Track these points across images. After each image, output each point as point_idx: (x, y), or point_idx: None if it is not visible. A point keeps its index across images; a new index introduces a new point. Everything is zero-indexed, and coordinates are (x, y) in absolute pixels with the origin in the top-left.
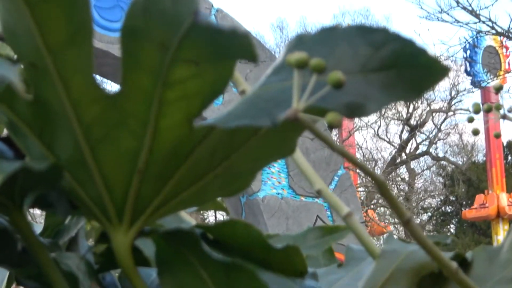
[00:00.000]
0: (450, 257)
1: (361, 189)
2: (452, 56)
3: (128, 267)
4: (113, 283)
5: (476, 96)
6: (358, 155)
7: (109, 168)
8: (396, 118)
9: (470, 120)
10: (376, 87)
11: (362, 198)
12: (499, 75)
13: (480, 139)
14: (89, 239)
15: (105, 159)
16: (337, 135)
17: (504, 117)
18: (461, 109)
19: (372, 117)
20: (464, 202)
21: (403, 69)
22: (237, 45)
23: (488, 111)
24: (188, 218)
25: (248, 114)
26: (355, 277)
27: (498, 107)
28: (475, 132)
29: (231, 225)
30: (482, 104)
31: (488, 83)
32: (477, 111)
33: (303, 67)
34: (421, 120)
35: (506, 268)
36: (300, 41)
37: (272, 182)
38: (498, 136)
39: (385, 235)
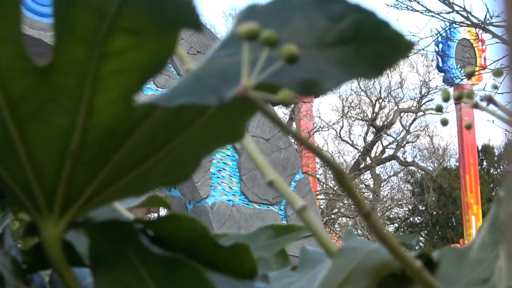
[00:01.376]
0: (414, 256)
1: (321, 196)
2: (423, 49)
3: (59, 261)
4: (42, 286)
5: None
6: (318, 160)
7: (38, 149)
8: (360, 118)
9: (439, 108)
10: (333, 63)
11: (322, 206)
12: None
13: (453, 143)
14: (16, 238)
15: (33, 139)
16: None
17: (476, 106)
18: (432, 109)
19: (334, 117)
20: (434, 212)
21: (363, 43)
22: (180, 13)
23: (459, 98)
24: (126, 213)
25: (193, 91)
26: (310, 280)
27: (470, 94)
28: (444, 122)
29: (175, 220)
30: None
31: (462, 79)
32: (446, 99)
33: (254, 40)
34: (388, 120)
35: (476, 268)
36: (252, 12)
37: (222, 187)
38: (469, 127)
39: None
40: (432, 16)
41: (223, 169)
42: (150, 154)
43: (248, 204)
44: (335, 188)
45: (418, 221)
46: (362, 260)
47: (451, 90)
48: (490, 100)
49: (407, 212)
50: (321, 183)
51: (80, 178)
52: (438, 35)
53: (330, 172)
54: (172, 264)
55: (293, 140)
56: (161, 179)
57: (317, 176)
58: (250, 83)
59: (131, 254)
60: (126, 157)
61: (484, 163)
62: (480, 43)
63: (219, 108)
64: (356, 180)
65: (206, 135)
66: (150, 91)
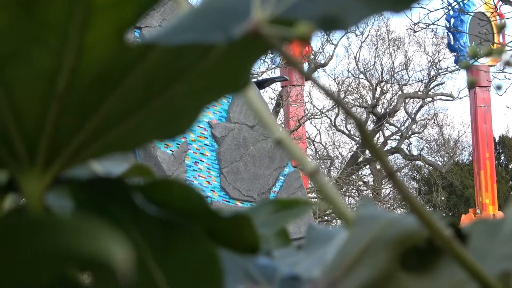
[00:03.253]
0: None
1: (313, 194)
2: (432, 24)
3: None
4: None
5: (461, 77)
6: (310, 151)
7: (19, 93)
8: (358, 104)
9: (465, 65)
10: None
11: (314, 207)
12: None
13: (466, 133)
14: None
15: (14, 82)
16: (284, 125)
17: (509, 64)
18: (442, 94)
19: (328, 103)
20: (444, 214)
21: None
22: None
23: (472, 85)
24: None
25: (197, 27)
26: (319, 260)
27: (501, 50)
28: (472, 83)
29: (167, 185)
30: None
31: (477, 60)
32: (474, 55)
33: None
34: (391, 107)
35: (510, 242)
36: None
37: (199, 182)
38: (473, 83)
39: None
40: None
41: (200, 160)
42: (145, 102)
43: (229, 202)
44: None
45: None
46: (383, 230)
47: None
48: None
49: None
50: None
51: (67, 127)
52: (450, 7)
53: (323, 166)
54: (169, 227)
55: (281, 129)
56: (156, 131)
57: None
58: (263, 17)
59: (123, 215)
60: (119, 105)
61: (502, 157)
62: (498, 17)
63: (225, 48)
64: (354, 177)
65: (209, 82)
66: None
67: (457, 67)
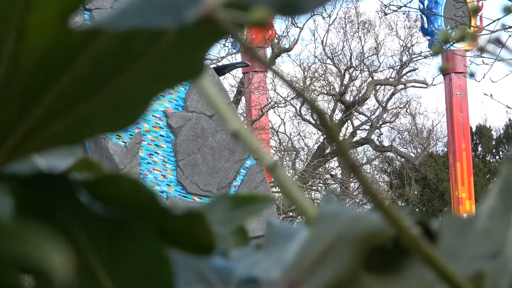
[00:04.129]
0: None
1: (277, 189)
2: (404, 6)
3: None
4: None
5: (436, 62)
6: (273, 142)
7: None
8: (325, 92)
9: (436, 50)
10: None
11: (278, 201)
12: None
13: (441, 123)
14: None
15: None
16: (245, 114)
17: (482, 49)
18: (415, 81)
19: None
20: (417, 209)
21: None
22: None
23: (443, 71)
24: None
25: (147, 11)
26: (278, 260)
27: (473, 35)
28: (443, 69)
29: (114, 181)
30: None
31: (452, 44)
32: (445, 40)
33: None
34: (360, 95)
35: (484, 240)
36: None
37: (154, 175)
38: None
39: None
40: None
41: (155, 153)
42: (92, 91)
43: (186, 197)
44: (294, 179)
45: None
46: (346, 228)
47: (439, 59)
48: (498, 42)
49: None
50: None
51: (8, 118)
52: None
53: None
54: (116, 227)
55: (242, 118)
56: (104, 123)
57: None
58: (217, 1)
59: (66, 214)
60: (64, 93)
61: (479, 149)
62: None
63: (177, 33)
64: (320, 169)
65: (160, 69)
66: None
67: (431, 52)
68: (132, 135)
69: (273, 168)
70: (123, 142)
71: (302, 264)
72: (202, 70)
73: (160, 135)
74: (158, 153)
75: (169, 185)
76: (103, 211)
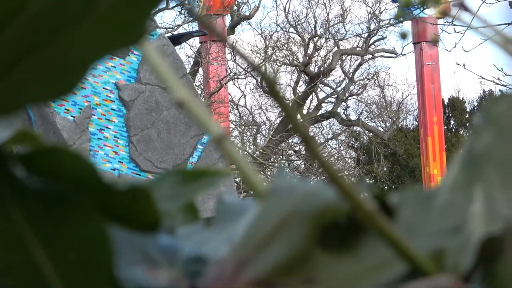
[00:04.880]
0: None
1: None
2: None
3: None
4: None
5: (406, 29)
6: (233, 116)
7: None
8: (288, 62)
9: (400, 15)
10: None
11: (238, 179)
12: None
13: (411, 95)
14: None
15: None
16: (203, 87)
17: (446, 14)
18: (383, 50)
19: (254, 61)
20: (385, 187)
21: None
22: None
23: (404, 37)
24: None
25: None
26: (228, 238)
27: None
28: (404, 35)
29: (54, 153)
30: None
31: (423, 10)
32: (406, 4)
33: None
34: (325, 66)
35: (445, 214)
36: None
37: (105, 152)
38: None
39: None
40: None
41: (106, 127)
42: (26, 55)
43: (139, 175)
44: (255, 155)
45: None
46: (299, 203)
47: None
48: (462, 6)
49: None
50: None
51: None
52: None
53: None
54: (54, 202)
55: (200, 91)
56: (39, 90)
57: (232, 138)
58: None
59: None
60: None
61: (452, 122)
62: None
63: None
64: (283, 145)
65: (99, 32)
66: None
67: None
68: (81, 109)
69: (221, 140)
70: (71, 116)
71: (251, 242)
72: (144, 33)
73: (112, 109)
74: (109, 128)
75: (121, 162)
76: (40, 185)
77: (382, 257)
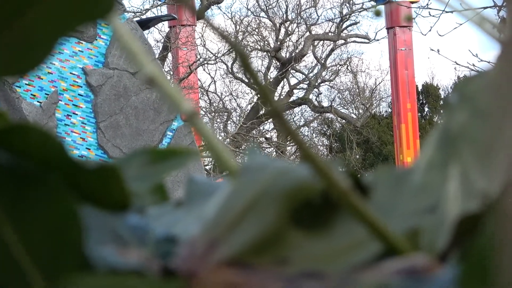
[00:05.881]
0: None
1: (207, 153)
2: None
3: None
4: None
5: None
6: (203, 103)
7: None
8: (259, 47)
9: (377, 13)
10: None
11: (208, 167)
12: None
13: (384, 81)
14: None
15: None
16: (172, 72)
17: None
18: (356, 35)
19: (224, 46)
20: (358, 175)
21: None
22: None
23: (377, 14)
24: None
25: None
26: (199, 218)
27: None
28: (378, 13)
29: (21, 131)
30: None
31: None
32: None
33: None
34: (297, 51)
35: (420, 194)
36: None
37: (72, 138)
38: (409, 18)
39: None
40: None
41: (74, 113)
42: None
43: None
44: (225, 143)
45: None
46: (272, 181)
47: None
48: None
49: None
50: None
51: None
52: None
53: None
54: (23, 179)
55: (169, 76)
56: (4, 67)
57: None
58: None
59: None
60: None
61: (426, 109)
62: None
63: None
64: (254, 132)
65: (65, 7)
66: None
67: (372, 3)
68: (47, 95)
69: (193, 117)
70: (38, 102)
71: (222, 222)
72: (111, 6)
73: (79, 94)
74: (77, 114)
75: (89, 149)
76: (8, 162)
77: (356, 236)
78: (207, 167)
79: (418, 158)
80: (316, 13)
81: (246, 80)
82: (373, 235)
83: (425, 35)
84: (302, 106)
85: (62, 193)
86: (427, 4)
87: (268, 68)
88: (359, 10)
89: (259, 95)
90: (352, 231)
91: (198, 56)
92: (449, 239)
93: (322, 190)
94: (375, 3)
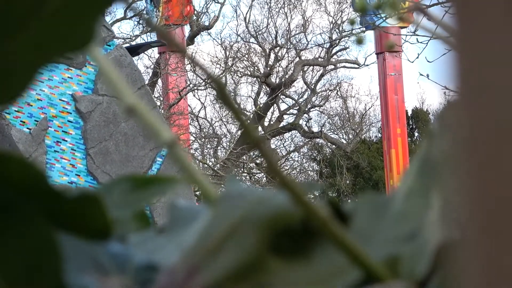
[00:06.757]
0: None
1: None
2: None
3: None
4: None
5: (368, 40)
6: (193, 129)
7: None
8: (249, 73)
9: (360, 40)
10: None
11: (198, 192)
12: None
13: (374, 106)
14: None
15: None
16: (162, 98)
17: (402, 19)
18: (346, 60)
19: (214, 72)
20: (349, 200)
21: None
22: None
23: (359, 42)
24: None
25: None
26: (180, 245)
27: (393, 4)
28: (360, 41)
29: (2, 160)
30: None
31: (385, 20)
32: (362, 10)
33: None
34: (287, 77)
35: (401, 221)
36: None
37: (62, 165)
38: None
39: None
40: None
41: (63, 140)
42: None
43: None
44: (216, 168)
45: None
46: (251, 209)
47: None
48: (421, 11)
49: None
50: (197, 161)
51: None
52: None
53: (208, 146)
54: (1, 208)
55: (158, 102)
56: None
57: (192, 151)
58: None
59: None
60: None
61: (416, 134)
62: None
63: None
64: (245, 158)
65: (46, 37)
66: None
67: (363, 29)
68: (37, 121)
69: (172, 145)
70: (27, 128)
71: (202, 249)
72: (92, 38)
73: (68, 121)
74: (66, 141)
75: (79, 175)
76: None
77: (336, 264)
78: (197, 193)
79: (399, 185)
80: (306, 38)
81: (236, 106)
82: (353, 262)
83: (412, 62)
84: (292, 131)
85: (40, 222)
86: (414, 31)
87: (258, 94)
88: (349, 35)
89: (240, 127)
90: (332, 258)
91: (188, 82)
92: (428, 267)
93: (301, 217)
94: (363, 29)
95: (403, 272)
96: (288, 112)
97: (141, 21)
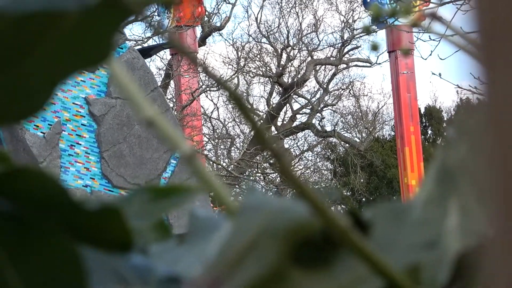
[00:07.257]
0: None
1: None
2: None
3: None
4: None
5: (380, 39)
6: (206, 130)
7: None
8: (261, 73)
9: (367, 30)
10: None
11: (212, 193)
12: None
13: (387, 105)
14: None
15: None
16: (175, 100)
17: (415, 25)
18: (358, 59)
19: (227, 72)
20: (363, 199)
21: None
22: None
23: (374, 48)
24: None
25: None
26: (201, 256)
27: (408, 9)
28: (375, 47)
29: (19, 174)
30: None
31: (397, 19)
32: (377, 15)
33: None
34: (299, 76)
35: (420, 229)
36: None
37: (76, 168)
38: (406, 52)
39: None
40: None
41: (77, 143)
42: None
43: (112, 191)
44: (229, 169)
45: (341, 211)
46: (271, 220)
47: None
48: (434, 17)
49: None
50: (211, 162)
51: None
52: None
53: (222, 147)
54: (24, 224)
55: (171, 104)
56: (5, 113)
57: (205, 152)
58: None
59: None
60: None
61: (429, 131)
62: None
63: (80, 16)
64: (258, 158)
65: (64, 53)
66: None
67: (375, 28)
68: (51, 125)
69: (191, 158)
70: (41, 132)
71: (224, 261)
72: (109, 53)
73: (82, 124)
74: (80, 144)
75: (93, 179)
76: (10, 207)
77: (357, 273)
78: (211, 194)
79: (417, 192)
80: (318, 38)
81: (249, 106)
82: (374, 271)
83: (426, 59)
84: (305, 131)
85: (62, 236)
86: (426, 30)
87: (270, 94)
88: (360, 35)
89: (257, 140)
90: (353, 268)
91: (201, 83)
92: (449, 275)
93: (321, 228)
94: (375, 27)
95: (424, 280)
96: (301, 112)
97: (152, 23)
